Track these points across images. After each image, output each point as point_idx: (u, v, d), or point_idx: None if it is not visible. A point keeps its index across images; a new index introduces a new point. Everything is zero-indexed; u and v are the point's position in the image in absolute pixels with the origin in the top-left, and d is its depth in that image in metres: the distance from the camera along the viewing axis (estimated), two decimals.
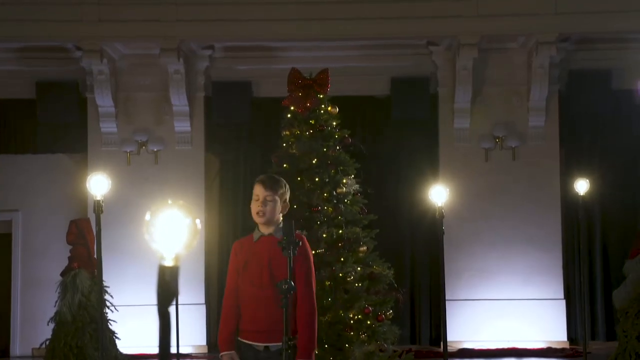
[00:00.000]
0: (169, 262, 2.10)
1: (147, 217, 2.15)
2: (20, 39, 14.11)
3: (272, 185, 5.37)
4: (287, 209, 5.52)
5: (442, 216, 7.68)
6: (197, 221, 2.15)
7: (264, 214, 5.32)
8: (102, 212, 5.84)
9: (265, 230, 5.38)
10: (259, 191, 5.35)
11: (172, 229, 2.12)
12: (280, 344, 5.12)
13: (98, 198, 5.92)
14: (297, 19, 13.97)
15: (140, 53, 14.67)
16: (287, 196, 5.49)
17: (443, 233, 7.85)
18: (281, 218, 5.40)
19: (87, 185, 6.09)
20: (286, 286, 4.83)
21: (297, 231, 5.44)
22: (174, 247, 2.11)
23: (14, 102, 14.79)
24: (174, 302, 2.24)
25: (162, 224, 2.12)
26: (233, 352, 5.30)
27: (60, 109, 14.55)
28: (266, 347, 5.26)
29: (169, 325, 2.11)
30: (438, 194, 7.79)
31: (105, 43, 14.05)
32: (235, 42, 14.63)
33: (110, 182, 6.12)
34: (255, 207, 5.35)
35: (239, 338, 5.35)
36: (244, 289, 5.32)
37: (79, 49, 14.24)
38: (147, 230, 2.11)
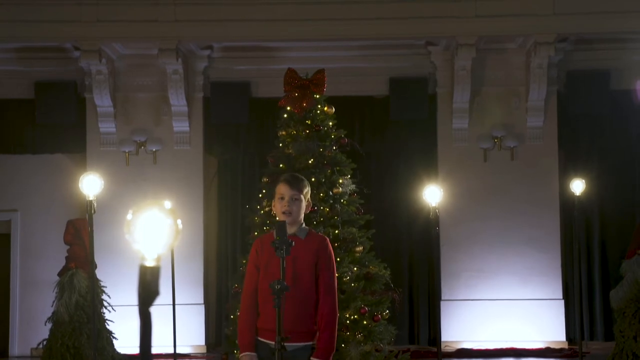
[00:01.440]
0: (150, 262, 2.10)
1: (129, 216, 2.15)
2: (18, 39, 14.12)
3: (297, 185, 5.33)
4: (310, 208, 5.50)
5: (436, 216, 7.69)
6: (179, 222, 2.15)
7: (290, 213, 5.26)
8: (94, 212, 5.82)
9: (288, 229, 5.25)
10: (284, 190, 5.28)
11: (153, 230, 2.12)
12: (301, 344, 5.19)
13: (90, 198, 5.90)
14: (296, 20, 13.97)
15: (139, 53, 14.68)
16: (309, 195, 5.48)
17: (437, 233, 7.85)
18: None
19: (80, 185, 6.06)
20: (279, 286, 4.80)
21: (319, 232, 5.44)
22: (155, 248, 2.12)
23: (13, 102, 14.82)
24: (157, 302, 2.25)
25: (143, 225, 2.12)
26: (254, 354, 5.20)
27: (59, 109, 14.57)
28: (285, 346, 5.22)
29: (150, 325, 2.12)
30: (432, 194, 7.80)
31: (104, 43, 14.06)
32: (233, 43, 14.63)
33: (102, 182, 6.10)
34: (281, 206, 5.27)
35: (257, 337, 5.26)
36: (266, 288, 5.17)
37: (77, 49, 14.25)
38: (129, 230, 2.11)
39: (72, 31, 13.95)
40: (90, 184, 6.00)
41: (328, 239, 5.44)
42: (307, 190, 5.41)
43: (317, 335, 5.26)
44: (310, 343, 5.27)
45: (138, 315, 2.23)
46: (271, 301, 4.96)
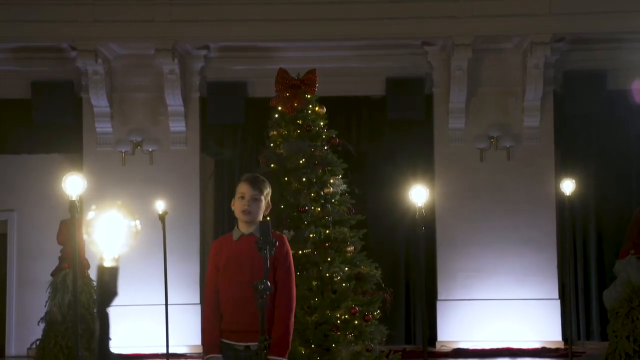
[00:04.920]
0: (108, 263, 2.11)
1: (91, 215, 2.15)
2: (15, 39, 14.13)
3: (258, 185, 5.39)
4: (270, 209, 5.54)
5: (422, 216, 7.69)
6: (137, 222, 2.16)
7: (249, 212, 5.34)
8: (77, 212, 5.83)
9: (246, 229, 5.39)
10: (244, 189, 5.36)
11: (111, 230, 2.13)
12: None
13: (73, 198, 5.92)
14: (292, 20, 13.98)
15: (135, 53, 14.69)
16: (269, 196, 5.52)
17: (424, 233, 7.85)
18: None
19: (63, 185, 6.09)
20: (262, 286, 4.83)
21: (277, 231, 5.48)
22: (113, 248, 2.12)
23: (9, 103, 14.82)
24: (114, 303, 2.26)
25: (101, 225, 2.13)
26: (220, 355, 5.28)
27: (56, 109, 14.57)
28: (247, 346, 5.26)
29: (107, 326, 2.12)
30: (418, 194, 7.81)
31: (100, 43, 14.07)
32: (230, 43, 14.64)
33: (85, 182, 6.12)
34: (240, 205, 5.34)
35: (221, 339, 5.34)
36: (225, 288, 5.31)
37: (74, 49, 14.27)
38: (87, 230, 2.12)
39: (68, 31, 13.96)
40: (73, 184, 6.02)
41: (285, 237, 5.52)
42: (268, 191, 5.47)
43: (274, 326, 5.29)
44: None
45: (96, 316, 2.23)
46: (233, 302, 5.13)
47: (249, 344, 5.23)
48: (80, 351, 9.46)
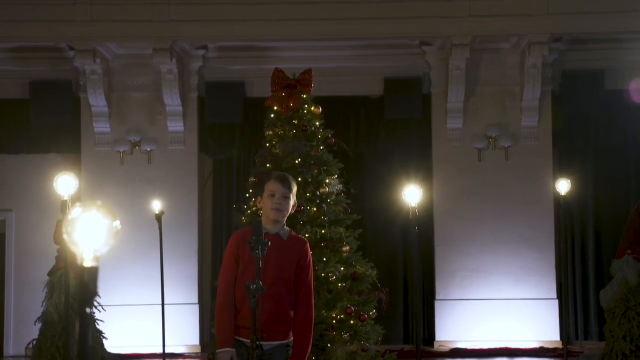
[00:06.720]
0: (88, 263, 2.11)
1: (74, 214, 2.15)
2: (13, 38, 14.14)
3: (288, 183, 5.41)
4: (295, 208, 5.57)
5: (415, 216, 7.69)
6: (117, 222, 2.16)
7: (280, 210, 5.34)
8: (68, 212, 5.84)
9: (272, 227, 5.36)
10: (275, 187, 5.35)
11: (90, 230, 2.13)
12: (277, 342, 5.26)
13: (65, 198, 5.93)
14: (290, 19, 13.99)
15: (133, 53, 14.69)
16: (296, 196, 5.54)
17: (417, 233, 7.85)
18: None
19: (54, 185, 6.09)
20: (254, 286, 4.82)
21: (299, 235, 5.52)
22: (92, 248, 2.13)
23: (7, 102, 14.82)
24: (94, 303, 2.26)
25: (81, 225, 2.13)
26: (233, 350, 5.23)
27: (54, 109, 14.57)
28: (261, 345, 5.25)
29: (87, 326, 2.13)
30: (411, 194, 7.81)
31: (98, 43, 14.07)
32: (228, 42, 14.65)
33: (77, 181, 6.13)
34: (271, 202, 5.33)
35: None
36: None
37: (72, 48, 14.27)
38: (66, 230, 2.12)
39: (66, 31, 13.96)
40: (65, 184, 6.03)
41: (308, 242, 5.49)
42: (295, 189, 5.48)
43: (295, 336, 5.29)
44: (286, 341, 5.32)
45: (77, 316, 2.24)
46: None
47: (263, 342, 5.17)
48: (73, 351, 9.45)
